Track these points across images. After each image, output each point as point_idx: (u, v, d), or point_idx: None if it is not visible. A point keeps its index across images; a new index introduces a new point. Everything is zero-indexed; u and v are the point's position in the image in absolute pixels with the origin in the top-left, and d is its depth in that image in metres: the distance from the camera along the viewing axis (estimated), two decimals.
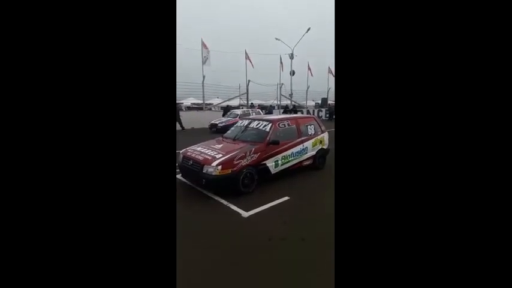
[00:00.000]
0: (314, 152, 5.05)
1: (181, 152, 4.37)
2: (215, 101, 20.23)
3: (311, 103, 23.41)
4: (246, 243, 2.56)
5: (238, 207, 3.43)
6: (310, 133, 5.05)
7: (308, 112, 18.92)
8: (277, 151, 4.28)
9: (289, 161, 4.50)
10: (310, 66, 21.26)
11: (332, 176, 4.86)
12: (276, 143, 4.18)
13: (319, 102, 23.29)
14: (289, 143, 4.48)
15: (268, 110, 16.73)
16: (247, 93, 17.57)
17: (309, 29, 17.76)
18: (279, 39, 19.00)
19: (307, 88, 21.15)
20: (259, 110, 13.87)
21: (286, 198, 3.74)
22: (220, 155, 3.76)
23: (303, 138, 4.81)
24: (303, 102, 21.77)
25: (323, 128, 5.48)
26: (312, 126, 5.20)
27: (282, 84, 18.80)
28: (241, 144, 4.13)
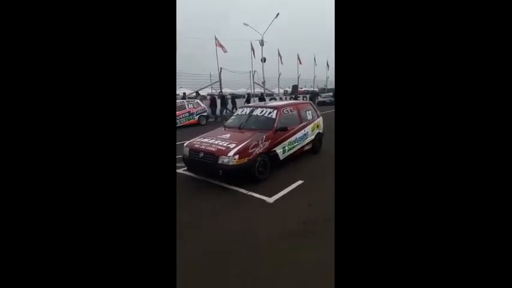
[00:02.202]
0: (313, 137, 5.23)
1: (185, 144, 4.21)
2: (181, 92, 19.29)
3: (280, 91, 23.33)
4: (283, 229, 2.62)
5: (259, 194, 3.46)
6: (309, 118, 5.20)
7: (280, 99, 19.15)
8: (284, 137, 4.35)
9: (294, 147, 4.61)
10: (280, 53, 21.41)
11: (330, 159, 5.12)
12: (284, 129, 4.24)
13: (288, 90, 23.58)
14: (293, 128, 4.57)
15: (246, 99, 16.52)
16: (219, 81, 17.15)
17: (278, 15, 17.74)
18: (247, 25, 18.70)
19: (279, 75, 21.36)
20: (198, 101, 11.43)
21: (300, 181, 3.86)
22: (234, 145, 3.71)
23: (304, 123, 4.94)
24: (273, 90, 21.96)
25: (318, 112, 5.68)
26: (310, 111, 5.36)
27: (255, 71, 18.72)
28: (250, 133, 4.11)
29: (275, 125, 4.24)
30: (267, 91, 20.54)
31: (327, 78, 29.65)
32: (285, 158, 4.41)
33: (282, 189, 3.58)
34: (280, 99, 18.86)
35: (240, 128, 4.42)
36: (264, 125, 4.31)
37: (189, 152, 4.00)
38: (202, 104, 11.50)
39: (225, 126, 4.75)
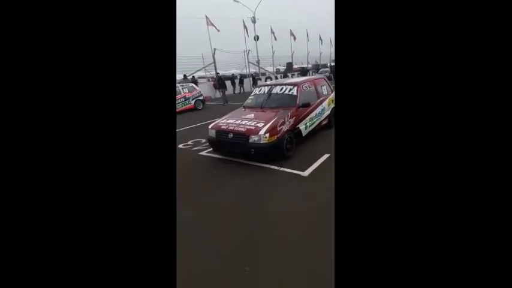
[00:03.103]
0: (329, 111, 5.31)
1: (210, 127, 4.24)
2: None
3: (270, 69, 22.29)
4: (330, 199, 2.76)
5: (292, 169, 3.58)
6: (325, 93, 5.25)
7: (271, 79, 18.87)
8: (306, 113, 4.41)
9: (314, 122, 4.69)
10: (273, 29, 20.79)
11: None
12: (306, 105, 4.29)
13: (280, 67, 22.92)
14: (312, 104, 4.63)
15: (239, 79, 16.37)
16: (214, 63, 16.73)
17: None
18: (238, 1, 17.96)
19: (273, 53, 20.92)
20: (193, 85, 11.02)
21: (327, 155, 3.99)
22: (262, 124, 3.77)
23: (321, 98, 5.00)
24: (267, 68, 21.58)
25: (332, 87, 5.72)
26: (324, 86, 5.39)
27: (249, 50, 18.26)
28: (274, 111, 4.15)
29: (298, 102, 4.29)
30: (263, 69, 20.21)
31: (320, 53, 29.21)
32: (307, 134, 4.50)
33: (313, 163, 3.71)
34: (271, 79, 18.57)
35: (262, 107, 4.45)
36: (286, 102, 4.35)
37: (216, 134, 4.04)
38: (197, 88, 11.21)
39: (244, 107, 4.76)
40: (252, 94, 5.03)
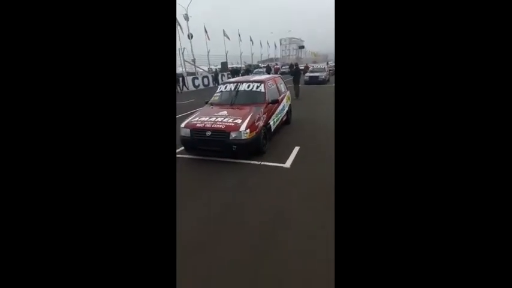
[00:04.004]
0: (287, 108, 5.70)
1: (183, 126, 4.01)
2: None
3: (202, 69, 21.58)
4: (320, 186, 3.06)
5: (272, 162, 3.75)
6: (283, 91, 5.60)
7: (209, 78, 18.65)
8: (274, 110, 4.65)
9: (279, 118, 4.98)
10: (206, 28, 20.45)
11: (301, 126, 5.76)
12: (275, 101, 4.52)
13: (212, 67, 22.49)
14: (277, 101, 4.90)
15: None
16: None
17: None
18: None
19: (208, 52, 20.59)
20: None
21: (297, 147, 4.32)
22: (240, 120, 3.80)
23: (282, 95, 5.32)
24: (203, 67, 21.14)
25: (286, 85, 6.14)
26: (282, 84, 5.75)
27: (184, 48, 17.49)
28: (246, 108, 4.22)
29: (267, 98, 4.47)
30: (199, 68, 19.65)
31: (252, 54, 30.34)
32: (274, 130, 4.75)
33: (288, 156, 3.97)
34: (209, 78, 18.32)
35: (232, 104, 4.46)
36: (255, 99, 4.47)
37: (191, 133, 3.85)
38: None
39: (212, 104, 4.67)
40: (218, 91, 4.96)
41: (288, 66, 22.57)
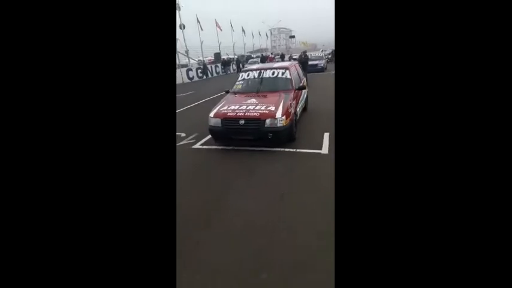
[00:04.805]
0: (306, 95, 5.62)
1: (212, 115, 3.86)
2: None
3: (195, 60, 20.84)
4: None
5: (308, 149, 3.68)
6: (302, 77, 5.50)
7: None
8: (299, 97, 4.55)
9: (302, 105, 4.90)
10: (199, 19, 19.82)
11: (319, 112, 5.70)
12: (302, 88, 4.42)
13: (201, 58, 21.76)
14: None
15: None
16: None
17: None
18: None
19: (201, 43, 20.03)
20: None
21: (327, 133, 4.26)
22: (273, 107, 3.69)
23: (302, 82, 5.22)
24: (198, 59, 20.59)
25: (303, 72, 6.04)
26: (300, 71, 5.64)
27: (177, 39, 16.91)
28: (275, 95, 4.11)
29: (294, 85, 4.36)
30: (194, 60, 19.13)
31: (244, 44, 29.81)
32: (298, 117, 4.67)
33: (321, 143, 3.90)
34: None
35: (258, 91, 4.32)
36: (282, 85, 4.37)
37: (222, 122, 3.72)
38: None
39: (235, 92, 4.51)
40: (240, 79, 4.80)
41: (279, 56, 22.46)
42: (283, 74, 4.52)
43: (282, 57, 18.79)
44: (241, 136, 3.74)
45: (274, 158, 3.55)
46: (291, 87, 4.34)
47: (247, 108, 3.77)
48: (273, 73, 4.58)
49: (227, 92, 4.74)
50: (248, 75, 4.76)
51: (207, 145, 4.24)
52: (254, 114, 3.63)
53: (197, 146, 4.27)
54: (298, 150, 3.70)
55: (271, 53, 29.25)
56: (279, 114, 3.58)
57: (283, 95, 4.09)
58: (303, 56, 10.75)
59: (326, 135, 4.17)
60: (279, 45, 65.28)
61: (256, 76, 4.64)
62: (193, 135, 4.74)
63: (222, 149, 4.02)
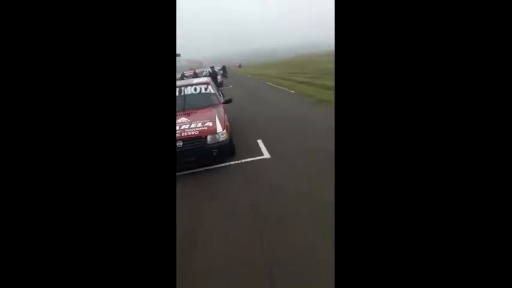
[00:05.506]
0: None
1: None
2: None
3: None
4: (312, 159, 3.38)
5: (252, 157, 3.77)
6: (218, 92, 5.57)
7: None
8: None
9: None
10: None
11: (246, 123, 5.93)
12: (229, 101, 4.46)
13: None
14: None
15: None
16: None
17: None
18: None
19: None
20: None
21: (259, 140, 4.48)
22: (210, 123, 3.57)
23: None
24: None
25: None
26: (215, 86, 5.69)
27: None
28: (205, 110, 3.99)
29: (219, 99, 4.36)
30: None
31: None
32: None
33: (259, 149, 4.06)
34: None
35: (184, 109, 4.06)
36: (208, 101, 4.28)
37: None
38: None
39: None
40: None
41: None
42: (206, 89, 4.46)
43: (210, 72, 18.16)
44: (182, 159, 3.40)
45: (224, 173, 3.43)
46: (217, 101, 4.32)
47: (182, 127, 3.48)
48: (195, 89, 4.43)
49: None
50: None
51: None
52: (193, 133, 3.39)
53: None
54: (243, 160, 3.72)
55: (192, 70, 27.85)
56: (219, 128, 3.49)
57: (213, 109, 4.02)
58: (210, 72, 11.15)
59: (260, 141, 4.37)
60: None
61: (178, 94, 4.35)
62: None
63: None
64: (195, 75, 16.80)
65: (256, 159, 3.70)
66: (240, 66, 62.27)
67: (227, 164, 3.66)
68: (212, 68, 11.92)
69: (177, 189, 3.32)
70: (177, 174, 3.54)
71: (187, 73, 18.93)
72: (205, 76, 10.86)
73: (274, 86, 14.04)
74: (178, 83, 4.97)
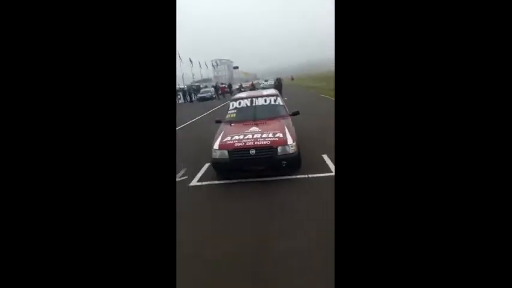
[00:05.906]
0: None
1: (216, 147, 3.54)
2: None
3: None
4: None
5: (318, 173, 3.65)
6: None
7: None
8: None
9: None
10: None
11: (301, 132, 5.84)
12: (296, 113, 4.48)
13: None
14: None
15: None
16: None
17: None
18: None
19: None
20: None
21: (325, 155, 4.31)
22: (281, 133, 3.61)
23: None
24: None
25: None
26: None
27: None
28: (275, 121, 4.06)
29: (287, 110, 4.40)
30: None
31: (193, 74, 29.80)
32: None
33: (327, 166, 3.90)
34: None
35: (255, 119, 4.20)
36: (277, 112, 4.37)
37: (230, 154, 3.42)
38: None
39: (230, 122, 4.29)
40: (232, 108, 4.61)
41: (226, 86, 23.52)
42: (275, 101, 4.56)
43: (230, 87, 19.14)
44: (252, 167, 3.50)
45: (291, 186, 3.39)
46: (285, 113, 4.37)
47: (255, 136, 3.59)
48: (265, 100, 4.57)
49: (218, 121, 4.50)
50: (240, 104, 4.63)
51: (205, 180, 3.82)
52: (265, 142, 3.47)
53: (194, 182, 3.81)
54: (310, 175, 3.62)
55: (222, 83, 29.80)
56: (290, 140, 3.50)
57: (282, 121, 4.07)
58: (276, 83, 11.69)
59: (326, 157, 4.21)
60: (222, 75, 67.41)
61: (248, 104, 4.55)
62: (182, 171, 4.25)
63: (226, 183, 3.66)
64: (253, 87, 17.50)
65: (324, 176, 3.58)
66: (292, 79, 62.76)
67: (293, 176, 3.61)
68: (278, 79, 12.39)
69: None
70: (242, 181, 3.64)
71: (244, 84, 19.91)
72: (270, 87, 11.29)
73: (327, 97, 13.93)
74: (249, 93, 5.21)
